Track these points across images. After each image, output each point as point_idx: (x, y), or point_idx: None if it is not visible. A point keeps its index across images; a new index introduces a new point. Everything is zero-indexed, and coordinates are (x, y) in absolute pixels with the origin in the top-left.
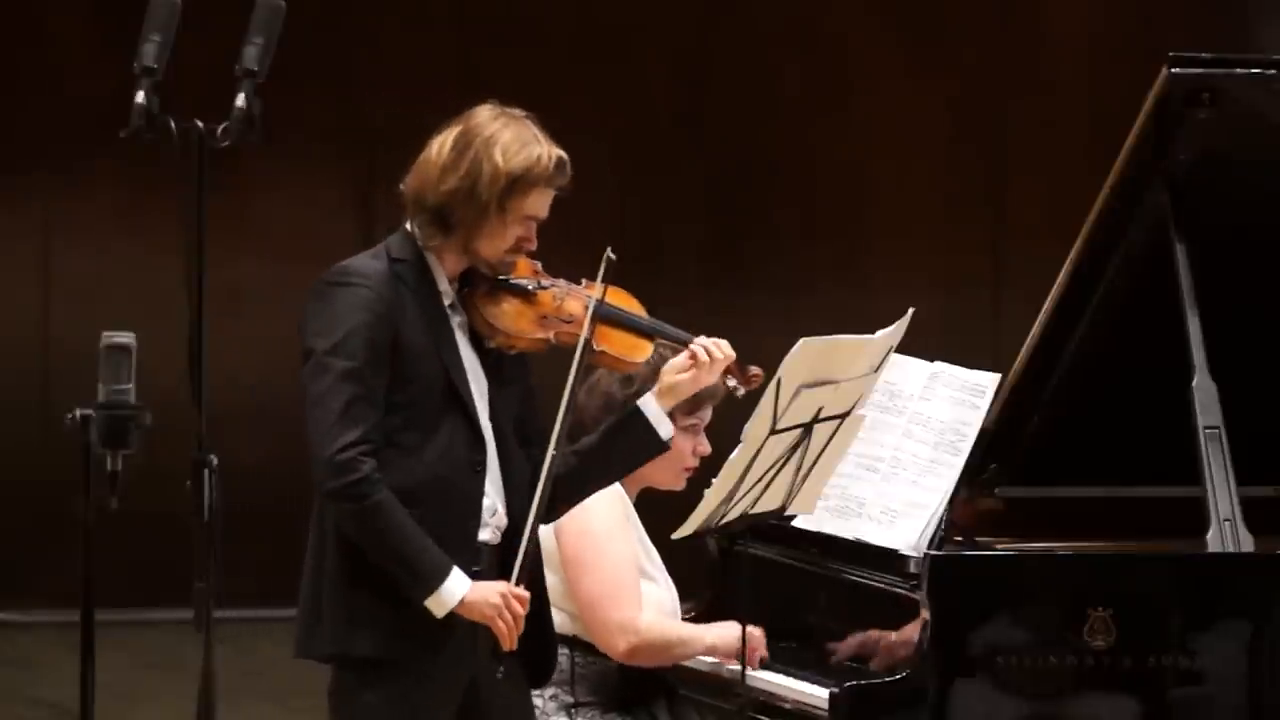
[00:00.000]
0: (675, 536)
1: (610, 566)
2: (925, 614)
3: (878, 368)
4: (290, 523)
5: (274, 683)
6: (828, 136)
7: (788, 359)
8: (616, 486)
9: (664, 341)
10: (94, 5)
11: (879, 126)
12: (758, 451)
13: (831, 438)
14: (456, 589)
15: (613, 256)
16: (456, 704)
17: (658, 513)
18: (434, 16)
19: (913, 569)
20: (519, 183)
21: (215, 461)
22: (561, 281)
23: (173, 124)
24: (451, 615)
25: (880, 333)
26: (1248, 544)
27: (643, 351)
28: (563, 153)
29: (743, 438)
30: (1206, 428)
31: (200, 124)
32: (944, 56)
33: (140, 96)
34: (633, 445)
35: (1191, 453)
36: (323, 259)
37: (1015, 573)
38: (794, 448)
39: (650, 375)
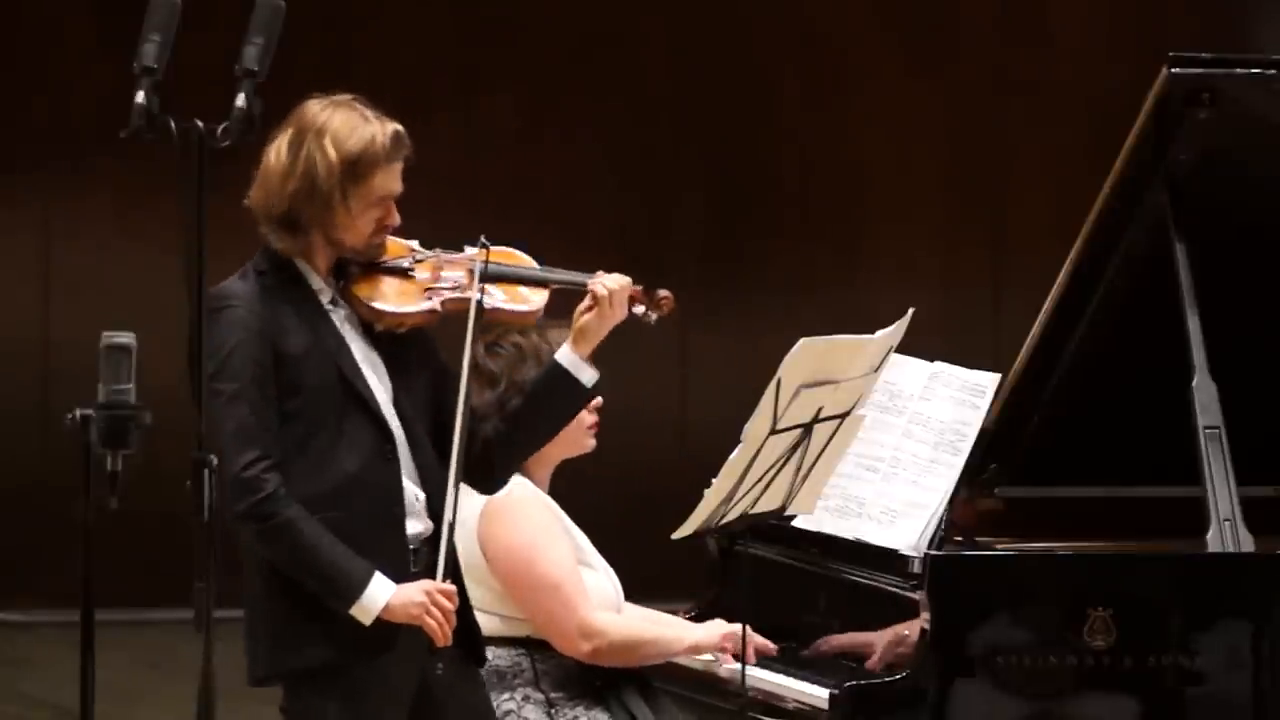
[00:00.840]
0: (675, 536)
1: (550, 576)
2: (925, 614)
3: (878, 368)
4: None
5: None
6: (827, 136)
7: (788, 359)
8: (529, 485)
9: (559, 286)
10: (94, 5)
11: (878, 126)
12: (758, 451)
13: (831, 438)
14: (379, 595)
15: (486, 243)
16: (408, 704)
17: (657, 512)
18: (433, 16)
19: (914, 569)
20: (357, 167)
21: (215, 461)
22: (439, 250)
23: (173, 124)
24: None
25: (880, 333)
26: (1248, 544)
27: (538, 301)
28: (397, 125)
29: (743, 438)
30: (1206, 428)
31: (200, 124)
32: (944, 56)
33: (140, 96)
34: (559, 399)
35: (1191, 453)
36: None
37: (1015, 573)
38: (794, 448)
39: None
